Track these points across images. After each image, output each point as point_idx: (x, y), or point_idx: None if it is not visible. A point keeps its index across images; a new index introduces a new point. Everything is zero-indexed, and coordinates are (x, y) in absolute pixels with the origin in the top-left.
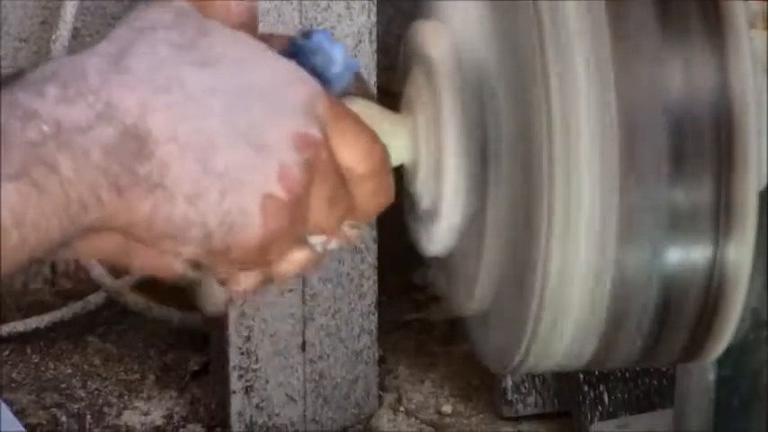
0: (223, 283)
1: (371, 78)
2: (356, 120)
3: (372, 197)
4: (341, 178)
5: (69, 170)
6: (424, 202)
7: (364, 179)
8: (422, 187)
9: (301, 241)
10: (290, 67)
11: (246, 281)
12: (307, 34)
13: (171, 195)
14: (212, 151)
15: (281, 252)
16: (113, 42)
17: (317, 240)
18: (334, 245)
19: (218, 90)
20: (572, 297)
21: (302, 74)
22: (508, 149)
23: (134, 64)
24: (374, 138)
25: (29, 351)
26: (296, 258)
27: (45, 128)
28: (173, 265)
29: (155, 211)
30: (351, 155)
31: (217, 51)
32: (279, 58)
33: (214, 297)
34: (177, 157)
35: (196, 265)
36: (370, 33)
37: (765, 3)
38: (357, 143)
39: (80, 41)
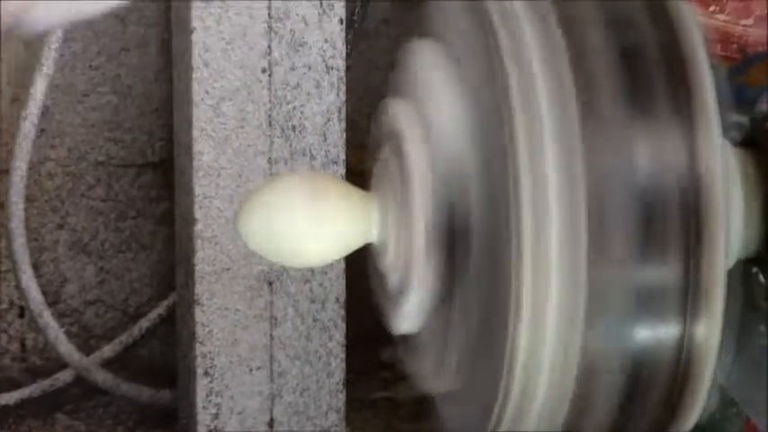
0: None
1: (340, 156)
2: None
3: None
4: None
5: None
6: (393, 280)
7: None
8: (390, 265)
9: None
10: None
11: None
12: None
13: None
14: None
15: None
16: None
17: None
18: None
19: None
20: (539, 379)
21: None
22: (477, 227)
23: None
24: None
25: None
26: None
27: None
28: None
29: None
30: None
31: None
32: None
33: None
34: None
35: None
36: (339, 112)
37: None
38: None
39: (49, 119)
